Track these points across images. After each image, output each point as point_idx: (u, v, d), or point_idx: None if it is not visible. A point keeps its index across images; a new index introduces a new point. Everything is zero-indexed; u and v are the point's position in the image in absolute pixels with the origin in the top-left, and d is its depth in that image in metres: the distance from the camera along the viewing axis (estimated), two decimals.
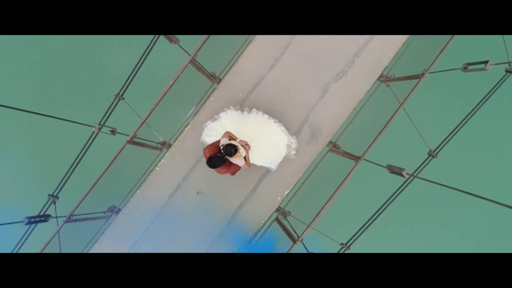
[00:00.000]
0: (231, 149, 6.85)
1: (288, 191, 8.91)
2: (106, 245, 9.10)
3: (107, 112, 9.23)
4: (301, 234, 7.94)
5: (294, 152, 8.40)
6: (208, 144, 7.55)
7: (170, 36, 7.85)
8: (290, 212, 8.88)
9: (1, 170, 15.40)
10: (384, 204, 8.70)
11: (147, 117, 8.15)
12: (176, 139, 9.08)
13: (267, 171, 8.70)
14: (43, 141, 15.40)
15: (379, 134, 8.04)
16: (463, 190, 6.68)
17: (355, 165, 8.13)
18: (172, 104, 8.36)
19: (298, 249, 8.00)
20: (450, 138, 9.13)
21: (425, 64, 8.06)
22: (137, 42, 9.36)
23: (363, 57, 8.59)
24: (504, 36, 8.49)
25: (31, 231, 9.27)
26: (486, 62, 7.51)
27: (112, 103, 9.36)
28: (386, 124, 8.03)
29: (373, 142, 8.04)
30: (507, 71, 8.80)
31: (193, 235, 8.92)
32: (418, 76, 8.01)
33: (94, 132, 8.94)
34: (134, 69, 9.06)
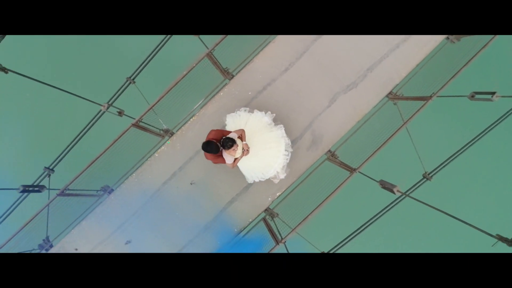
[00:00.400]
0: (229, 143, 6.85)
1: (280, 193, 8.94)
2: (93, 223, 9.13)
3: (116, 93, 9.25)
4: (285, 236, 8.04)
5: (277, 181, 8.48)
6: (220, 129, 7.52)
7: None
8: (278, 214, 8.89)
9: (2, 137, 15.34)
10: (372, 218, 8.78)
11: (155, 103, 8.18)
12: (179, 129, 9.08)
13: None
14: (47, 113, 15.41)
15: (378, 149, 8.11)
16: (452, 214, 6.75)
17: (349, 176, 8.20)
18: (181, 94, 8.37)
19: (279, 250, 8.06)
20: (447, 164, 9.21)
21: (434, 87, 8.11)
22: None
23: (376, 72, 8.63)
24: None
25: (22, 200, 9.28)
26: (493, 93, 7.46)
27: (123, 85, 9.37)
28: (386, 141, 8.10)
29: (370, 156, 8.11)
30: None
31: (179, 224, 8.97)
32: (425, 98, 8.03)
33: (101, 111, 8.96)
34: (150, 55, 9.08)
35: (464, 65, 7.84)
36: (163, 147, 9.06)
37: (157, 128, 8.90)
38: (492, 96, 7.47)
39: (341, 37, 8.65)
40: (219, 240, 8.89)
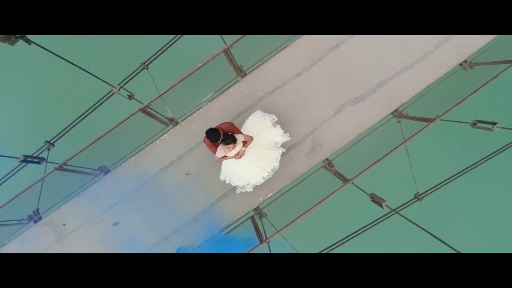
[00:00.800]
0: (227, 141, 6.95)
1: (271, 194, 9.02)
2: (85, 201, 9.20)
3: (129, 76, 9.26)
4: (270, 237, 8.05)
5: (239, 191, 8.74)
6: (235, 125, 7.58)
7: None
8: (266, 214, 8.94)
9: (8, 106, 15.25)
10: (358, 231, 8.87)
11: (165, 91, 8.17)
12: (184, 119, 9.14)
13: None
14: (57, 87, 15.38)
15: (374, 163, 8.14)
16: (438, 237, 6.82)
17: (342, 186, 8.22)
18: (191, 85, 8.38)
19: (260, 250, 8.11)
20: (439, 187, 9.32)
21: (438, 110, 8.17)
22: None
23: (386, 89, 8.72)
24: None
25: (20, 169, 9.29)
26: (494, 123, 7.55)
27: (136, 69, 9.38)
28: (384, 156, 8.14)
29: (366, 169, 8.14)
30: None
31: (169, 212, 9.04)
32: (429, 120, 8.11)
33: (112, 92, 8.97)
34: (167, 43, 9.10)
35: (472, 93, 7.91)
36: (165, 135, 9.11)
37: (162, 115, 8.92)
38: (493, 127, 7.56)
39: (358, 50, 8.75)
40: (204, 233, 8.93)
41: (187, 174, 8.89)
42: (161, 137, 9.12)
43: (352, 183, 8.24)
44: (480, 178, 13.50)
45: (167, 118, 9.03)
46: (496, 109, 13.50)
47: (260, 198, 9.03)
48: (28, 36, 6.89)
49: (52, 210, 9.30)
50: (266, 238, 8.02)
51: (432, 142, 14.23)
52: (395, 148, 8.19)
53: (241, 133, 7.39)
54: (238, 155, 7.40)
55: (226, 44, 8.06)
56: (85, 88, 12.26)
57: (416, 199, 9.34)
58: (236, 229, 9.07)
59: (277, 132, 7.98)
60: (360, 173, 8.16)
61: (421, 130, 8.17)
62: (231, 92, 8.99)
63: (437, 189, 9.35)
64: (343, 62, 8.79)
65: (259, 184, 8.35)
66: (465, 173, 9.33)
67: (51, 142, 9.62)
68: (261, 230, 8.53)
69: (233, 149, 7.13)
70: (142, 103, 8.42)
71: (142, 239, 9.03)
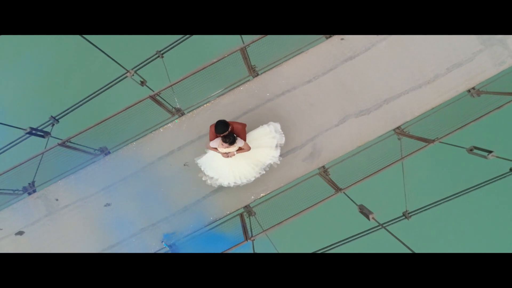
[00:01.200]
0: (227, 139, 7.14)
1: (264, 194, 9.12)
2: (81, 180, 9.27)
3: (143, 62, 9.32)
4: (255, 235, 8.17)
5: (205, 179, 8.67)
6: (245, 130, 7.79)
7: None
8: (255, 213, 9.05)
9: (20, 76, 15.16)
10: (343, 240, 9.00)
11: (177, 82, 8.21)
12: (191, 111, 9.22)
13: None
14: (68, 63, 15.30)
15: (368, 176, 8.25)
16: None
17: (333, 194, 8.30)
18: (203, 78, 8.44)
19: (245, 247, 8.21)
20: (429, 208, 9.47)
21: (439, 132, 8.29)
22: None
23: (391, 105, 8.85)
24: None
25: (22, 140, 9.33)
26: (490, 152, 7.71)
27: (151, 57, 9.44)
28: (379, 170, 8.25)
29: (359, 181, 8.24)
30: (511, 169, 9.15)
31: (161, 200, 9.12)
32: (428, 141, 8.20)
33: (125, 76, 9.03)
34: (185, 35, 9.17)
35: (474, 120, 8.03)
36: (169, 124, 9.19)
37: (170, 105, 8.96)
38: (488, 155, 7.72)
39: (371, 64, 8.91)
40: (192, 224, 9.03)
41: (184, 165, 8.96)
42: (165, 126, 9.20)
43: (344, 192, 8.31)
44: (469, 204, 13.64)
45: (174, 107, 9.08)
46: (496, 138, 13.66)
47: (252, 197, 9.13)
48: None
49: (47, 184, 9.36)
50: (252, 236, 8.13)
51: (428, 162, 14.34)
52: (391, 164, 8.33)
53: (245, 139, 7.55)
54: (226, 155, 7.53)
55: (243, 43, 8.14)
56: (97, 68, 12.28)
57: (404, 217, 9.50)
58: (223, 224, 9.17)
59: (272, 155, 8.19)
60: (353, 184, 8.27)
61: (419, 149, 8.28)
62: (240, 90, 9.10)
63: (425, 209, 9.50)
64: (354, 74, 8.93)
65: (225, 186, 8.52)
66: (455, 198, 9.49)
67: (56, 118, 9.67)
68: (248, 228, 8.62)
69: (226, 148, 7.29)
70: (152, 90, 8.48)
71: (130, 223, 9.12)
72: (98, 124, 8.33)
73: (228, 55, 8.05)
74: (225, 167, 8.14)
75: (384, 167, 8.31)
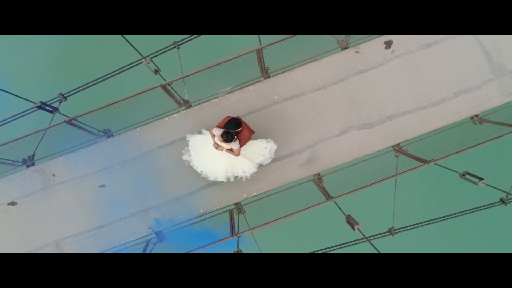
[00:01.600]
0: (226, 136, 7.26)
1: (256, 194, 9.25)
2: (81, 158, 9.40)
3: (158, 51, 9.41)
4: (241, 232, 8.26)
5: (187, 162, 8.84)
6: (250, 137, 8.04)
7: None
8: (245, 211, 9.19)
9: (33, 50, 15.11)
10: (326, 248, 9.15)
11: (189, 75, 8.29)
12: (198, 104, 9.34)
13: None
14: (83, 43, 15.36)
15: (361, 188, 8.34)
16: None
17: (323, 202, 8.38)
18: (215, 74, 8.57)
19: (229, 243, 8.32)
20: (414, 227, 9.64)
21: (435, 154, 8.44)
22: None
23: (395, 122, 9.02)
24: None
25: (29, 113, 9.40)
26: (481, 179, 7.85)
27: (168, 46, 9.52)
28: (372, 184, 8.36)
29: (351, 191, 8.31)
30: (501, 200, 9.36)
31: (155, 187, 9.25)
32: (424, 161, 8.33)
33: (141, 62, 9.11)
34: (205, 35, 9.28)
35: (471, 147, 8.17)
36: (175, 115, 9.31)
37: (179, 95, 9.07)
38: (478, 181, 7.85)
39: (381, 80, 9.08)
40: (181, 214, 9.17)
41: (183, 155, 9.04)
42: (171, 116, 9.32)
43: (334, 201, 8.40)
44: (455, 228, 13.77)
45: (183, 99, 9.20)
46: (491, 165, 13.80)
47: (244, 195, 9.26)
48: None
49: (47, 159, 9.47)
50: (238, 233, 8.25)
51: (420, 182, 14.47)
52: (385, 179, 8.42)
53: (242, 145, 7.75)
54: (216, 145, 7.64)
55: (261, 44, 8.22)
56: (110, 49, 12.30)
57: (389, 233, 9.67)
58: (212, 219, 9.31)
59: (248, 170, 8.47)
60: (344, 194, 8.35)
61: (414, 168, 8.39)
62: (250, 89, 9.22)
63: (411, 228, 9.67)
64: (363, 87, 9.09)
65: (194, 167, 8.70)
66: (442, 220, 9.66)
67: (65, 95, 9.75)
68: (236, 224, 8.74)
69: (220, 141, 7.42)
70: (164, 79, 8.57)
71: (121, 206, 9.24)
72: (107, 106, 8.40)
73: (243, 54, 8.15)
74: (205, 154, 8.32)
75: (377, 181, 8.41)
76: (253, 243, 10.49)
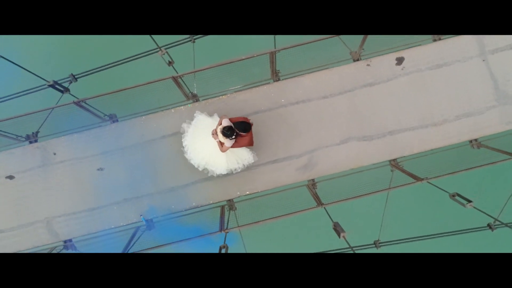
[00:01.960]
0: (226, 131, 7.40)
1: (249, 193, 9.38)
2: (83, 140, 9.50)
3: (173, 43, 9.51)
4: (229, 229, 8.50)
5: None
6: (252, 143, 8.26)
7: None
8: (236, 208, 9.32)
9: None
10: (311, 253, 9.28)
11: (202, 69, 8.39)
12: (205, 99, 9.46)
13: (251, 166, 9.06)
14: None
15: (352, 198, 8.53)
16: None
17: (314, 207, 8.51)
18: (226, 71, 8.69)
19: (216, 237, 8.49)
20: (399, 243, 9.81)
21: (430, 173, 8.60)
22: None
23: (394, 138, 9.18)
24: None
25: (38, 90, 9.49)
26: (469, 201, 7.96)
27: (183, 39, 9.62)
28: (364, 195, 8.48)
29: (342, 200, 8.51)
30: (488, 225, 9.50)
31: (152, 176, 9.39)
32: (418, 178, 8.48)
33: (156, 51, 9.22)
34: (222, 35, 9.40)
35: (465, 169, 8.39)
36: (182, 107, 9.41)
37: (188, 89, 9.19)
38: (467, 204, 7.95)
39: (388, 95, 9.24)
40: (174, 205, 9.30)
41: (182, 148, 9.14)
42: (177, 108, 9.42)
43: (325, 208, 8.52)
44: (440, 248, 13.86)
45: (191, 92, 9.33)
46: (484, 188, 13.95)
47: (238, 193, 9.39)
48: None
49: (50, 137, 9.57)
50: (226, 229, 8.45)
51: (413, 199, 14.62)
52: (377, 191, 8.62)
53: (233, 147, 7.92)
54: (214, 131, 7.84)
55: (275, 47, 8.36)
56: (127, 36, 12.33)
57: (374, 245, 9.85)
58: (202, 212, 9.48)
59: (220, 169, 8.57)
60: (335, 202, 8.50)
61: (406, 184, 8.61)
62: (258, 90, 9.35)
63: (396, 243, 9.84)
64: (369, 100, 9.24)
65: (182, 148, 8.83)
66: (428, 239, 9.84)
67: (76, 76, 9.87)
68: (226, 220, 8.93)
69: (219, 131, 7.54)
70: (176, 71, 8.68)
71: (116, 191, 9.36)
72: (117, 91, 8.51)
73: (257, 55, 8.27)
74: (200, 135, 8.45)
75: (370, 193, 8.56)
76: (240, 242, 10.62)
